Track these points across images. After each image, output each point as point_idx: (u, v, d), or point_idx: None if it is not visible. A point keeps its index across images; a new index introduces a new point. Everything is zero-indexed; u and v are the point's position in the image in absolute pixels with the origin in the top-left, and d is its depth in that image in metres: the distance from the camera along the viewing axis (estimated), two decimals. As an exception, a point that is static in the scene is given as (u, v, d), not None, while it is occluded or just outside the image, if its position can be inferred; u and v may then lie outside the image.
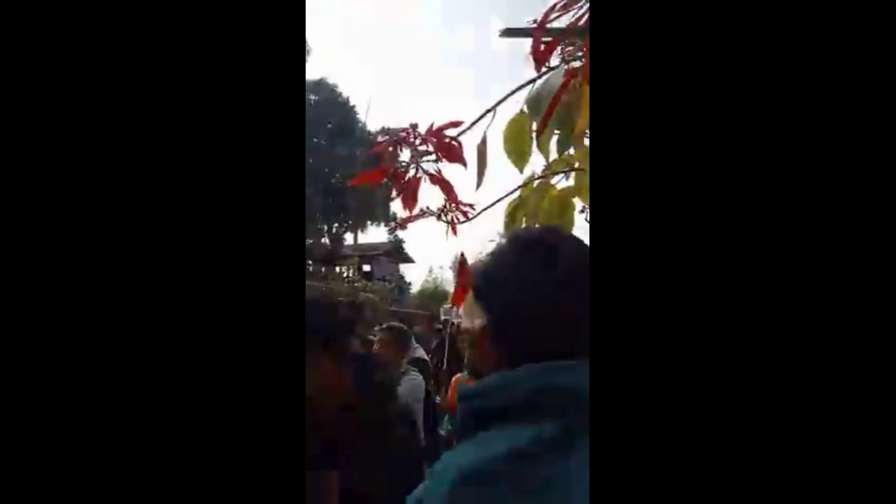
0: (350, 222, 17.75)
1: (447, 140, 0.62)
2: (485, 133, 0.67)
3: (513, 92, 0.73)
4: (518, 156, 0.80)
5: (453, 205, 1.01)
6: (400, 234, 20.11)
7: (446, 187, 0.78)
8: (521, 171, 0.83)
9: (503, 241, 0.54)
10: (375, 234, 20.69)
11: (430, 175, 0.80)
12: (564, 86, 0.40)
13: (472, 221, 1.00)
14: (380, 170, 0.76)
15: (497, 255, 0.51)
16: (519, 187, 0.97)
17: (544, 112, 0.49)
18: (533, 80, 0.69)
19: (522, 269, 0.47)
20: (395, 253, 20.93)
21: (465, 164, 0.63)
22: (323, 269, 16.91)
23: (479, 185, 0.71)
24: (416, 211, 0.90)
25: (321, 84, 17.48)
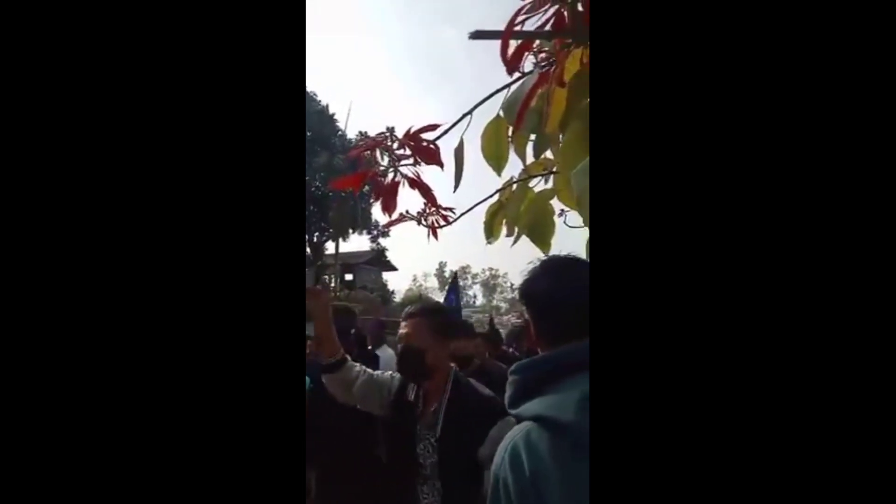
0: (331, 231, 17.59)
1: (424, 143, 0.63)
2: (462, 137, 0.68)
3: (489, 96, 0.74)
4: (496, 159, 0.81)
5: (433, 209, 1.02)
6: (382, 242, 20.04)
7: (425, 191, 0.79)
8: (500, 175, 0.84)
9: (538, 262, 0.79)
10: (357, 243, 20.56)
11: (409, 179, 0.81)
12: (535, 89, 0.41)
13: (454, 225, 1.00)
14: (359, 174, 0.76)
15: (535, 276, 0.76)
16: (497, 191, 0.99)
17: (516, 115, 0.50)
18: (508, 85, 0.70)
19: (553, 284, 0.71)
20: (378, 261, 20.79)
21: (441, 166, 0.64)
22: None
23: (456, 187, 0.71)
24: (395, 215, 0.90)
25: (300, 93, 17.25)
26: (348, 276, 19.71)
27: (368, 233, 19.22)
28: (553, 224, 1.01)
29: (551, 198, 1.02)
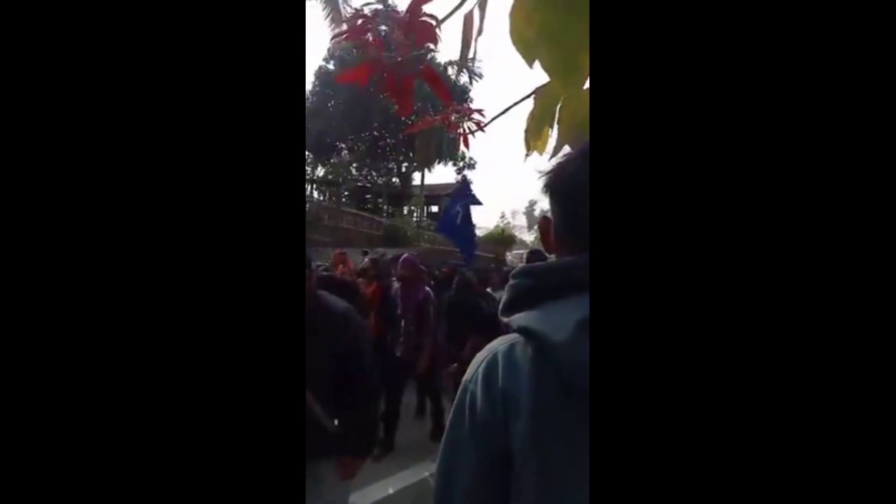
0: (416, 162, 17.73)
1: (422, 17, 0.53)
2: (475, 6, 0.56)
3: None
4: (524, 45, 0.68)
5: (459, 111, 0.92)
6: (469, 174, 19.82)
7: (436, 83, 0.69)
8: (531, 65, 0.71)
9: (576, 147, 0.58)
10: (443, 174, 20.55)
11: (423, 71, 0.71)
12: None
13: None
14: (364, 66, 0.69)
15: (568, 161, 0.55)
16: (537, 90, 0.85)
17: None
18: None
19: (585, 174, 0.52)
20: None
21: (435, 43, 0.54)
22: (388, 208, 17.26)
23: (461, 68, 0.61)
24: (417, 118, 0.82)
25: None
26: (434, 208, 20.07)
27: (454, 164, 19.07)
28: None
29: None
